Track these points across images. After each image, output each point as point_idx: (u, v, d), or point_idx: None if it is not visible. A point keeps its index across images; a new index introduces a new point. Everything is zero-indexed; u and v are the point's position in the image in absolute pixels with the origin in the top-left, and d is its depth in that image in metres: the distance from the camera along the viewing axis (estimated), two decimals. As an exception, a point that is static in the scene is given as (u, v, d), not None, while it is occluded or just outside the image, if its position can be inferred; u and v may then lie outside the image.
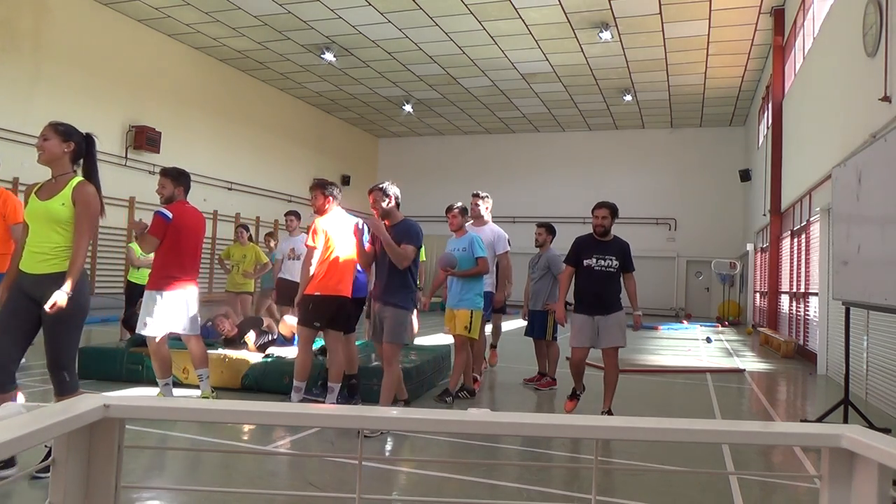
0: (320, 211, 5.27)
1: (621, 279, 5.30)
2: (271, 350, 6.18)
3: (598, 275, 5.16)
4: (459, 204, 6.29)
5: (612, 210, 5.30)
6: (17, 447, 0.67)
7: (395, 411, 0.90)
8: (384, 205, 4.81)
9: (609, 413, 5.24)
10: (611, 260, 5.17)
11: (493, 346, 7.69)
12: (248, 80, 18.75)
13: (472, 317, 5.72)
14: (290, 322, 6.41)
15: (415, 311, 4.96)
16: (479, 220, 6.74)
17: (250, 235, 9.67)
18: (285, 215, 8.99)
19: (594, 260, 5.17)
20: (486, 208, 6.82)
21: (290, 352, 6.18)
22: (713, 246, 21.63)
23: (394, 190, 4.88)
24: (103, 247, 13.72)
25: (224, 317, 6.64)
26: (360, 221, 5.11)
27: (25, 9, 12.49)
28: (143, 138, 14.70)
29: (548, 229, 7.15)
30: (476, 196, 6.84)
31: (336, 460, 3.83)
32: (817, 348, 8.84)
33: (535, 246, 7.10)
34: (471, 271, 5.76)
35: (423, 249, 9.08)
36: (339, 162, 23.29)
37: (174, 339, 6.19)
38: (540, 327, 6.79)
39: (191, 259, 5.04)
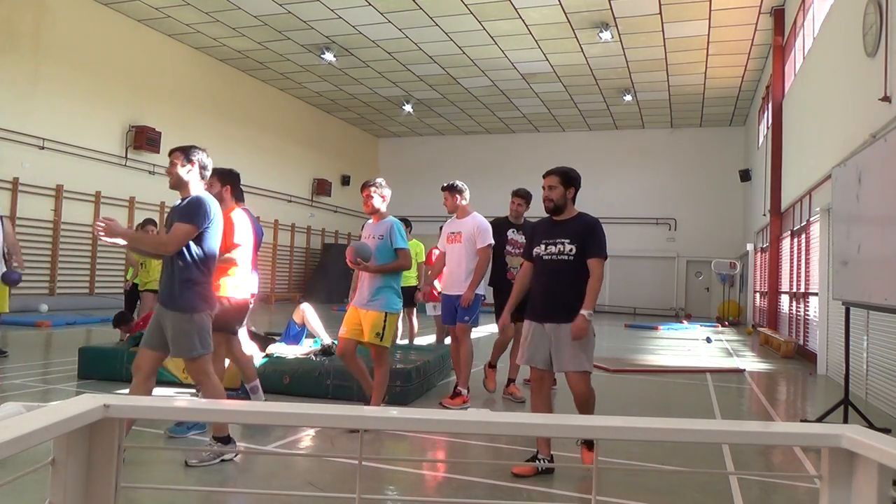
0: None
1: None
2: (272, 349, 6.17)
3: (545, 266, 3.85)
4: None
5: (565, 177, 3.87)
6: (16, 447, 0.67)
7: (394, 411, 0.90)
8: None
9: (588, 447, 3.92)
10: (562, 245, 3.80)
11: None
12: (248, 80, 18.75)
13: (385, 321, 4.67)
14: (305, 310, 6.47)
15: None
16: (460, 211, 5.81)
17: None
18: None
19: (542, 247, 3.87)
20: (460, 200, 5.79)
21: (291, 351, 6.18)
22: (713, 246, 21.63)
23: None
24: (102, 247, 13.72)
25: None
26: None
27: (25, 9, 12.49)
28: (143, 138, 14.71)
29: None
30: (444, 190, 5.86)
31: (336, 460, 3.83)
32: (817, 348, 8.84)
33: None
34: (389, 266, 4.71)
35: (423, 249, 9.11)
36: (338, 162, 23.30)
37: None
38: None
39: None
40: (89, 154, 13.82)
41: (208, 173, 3.81)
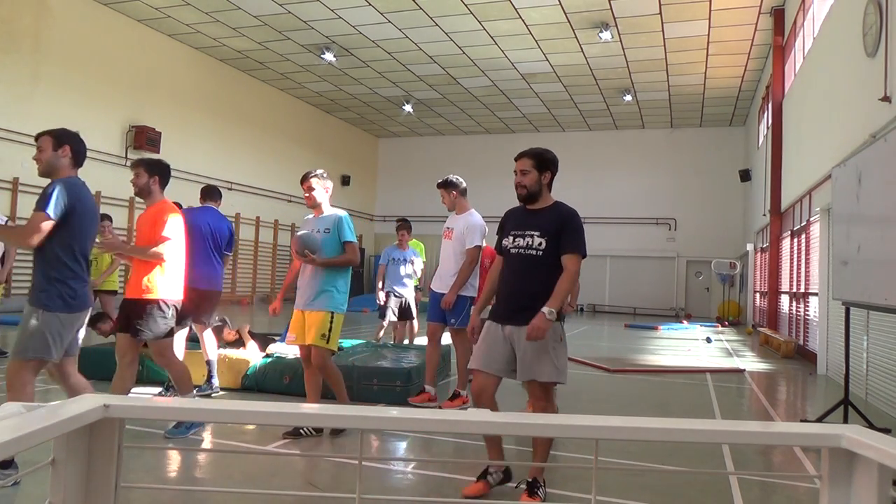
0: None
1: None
2: (272, 349, 6.17)
3: (512, 261, 3.36)
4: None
5: (539, 160, 3.36)
6: (17, 447, 0.67)
7: (395, 411, 0.90)
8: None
9: (534, 486, 3.24)
10: (531, 238, 3.29)
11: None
12: (248, 80, 18.75)
13: (331, 321, 4.33)
14: None
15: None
16: (458, 207, 5.56)
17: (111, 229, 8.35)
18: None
19: (511, 239, 3.37)
20: (454, 195, 5.53)
21: (291, 351, 6.18)
22: (713, 246, 21.63)
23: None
24: (103, 247, 13.71)
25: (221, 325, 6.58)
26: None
27: (25, 9, 12.49)
28: (143, 138, 14.71)
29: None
30: (439, 187, 5.61)
31: (336, 460, 3.83)
32: (817, 348, 8.84)
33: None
34: (337, 259, 4.40)
35: (423, 249, 9.10)
36: (338, 162, 23.29)
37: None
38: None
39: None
40: (89, 154, 13.74)
41: (83, 158, 3.50)
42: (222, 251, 5.60)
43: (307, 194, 4.50)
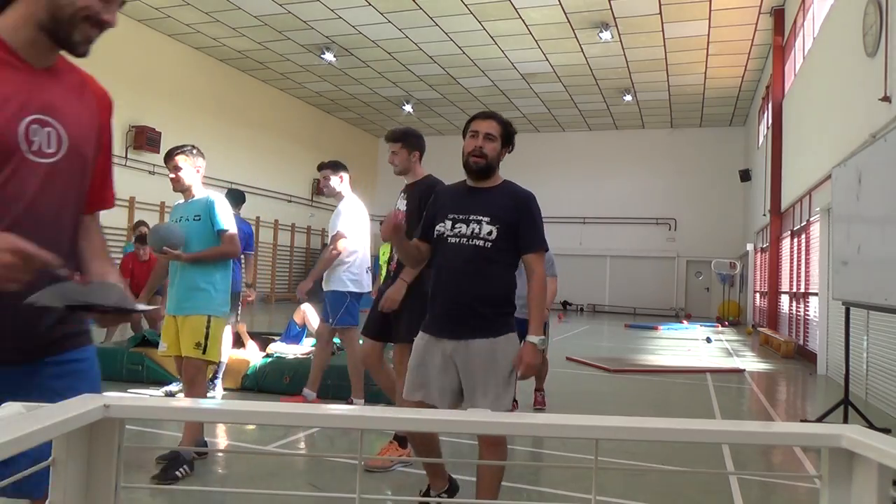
0: None
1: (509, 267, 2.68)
2: (272, 349, 6.18)
3: (450, 253, 2.63)
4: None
5: (506, 129, 2.75)
6: (17, 447, 0.67)
7: (395, 411, 0.90)
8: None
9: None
10: (477, 224, 2.59)
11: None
12: (248, 80, 18.76)
13: (208, 326, 3.65)
14: (306, 310, 6.46)
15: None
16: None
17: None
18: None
19: (448, 225, 2.64)
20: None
21: (291, 351, 6.18)
22: (713, 246, 21.64)
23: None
24: (103, 247, 13.72)
25: None
26: None
27: (25, 9, 12.49)
28: (143, 138, 14.71)
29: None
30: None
31: (336, 460, 3.83)
32: (817, 348, 8.85)
33: None
34: (208, 253, 3.69)
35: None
36: (339, 162, 23.28)
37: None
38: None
39: None
40: (89, 154, 13.82)
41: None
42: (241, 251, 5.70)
43: (173, 175, 3.75)
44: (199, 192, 3.83)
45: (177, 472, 3.38)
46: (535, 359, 2.52)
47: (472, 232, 2.59)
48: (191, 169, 3.78)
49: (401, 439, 3.78)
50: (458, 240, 2.60)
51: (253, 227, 5.22)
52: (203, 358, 3.66)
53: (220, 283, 3.76)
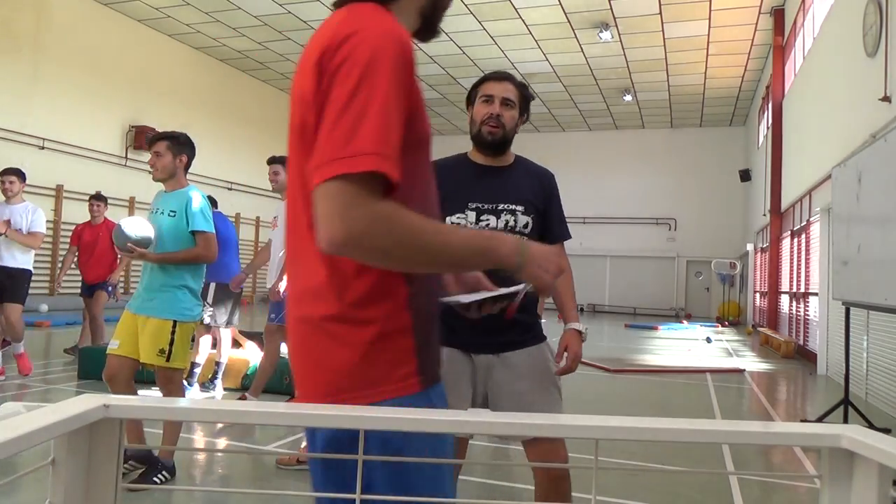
0: None
1: None
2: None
3: None
4: None
5: (525, 95, 2.36)
6: (16, 447, 0.67)
7: (394, 411, 0.90)
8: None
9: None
10: (512, 214, 2.17)
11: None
12: (248, 80, 18.76)
13: (174, 332, 3.30)
14: None
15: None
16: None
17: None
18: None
19: (472, 217, 2.16)
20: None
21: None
22: (713, 246, 21.64)
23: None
24: (103, 247, 13.73)
25: None
26: None
27: (25, 9, 12.49)
28: (143, 138, 14.71)
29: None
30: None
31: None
32: (817, 348, 8.85)
33: None
34: (177, 255, 3.36)
35: None
36: (339, 162, 23.30)
37: None
38: None
39: None
40: (89, 154, 13.82)
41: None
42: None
43: (152, 161, 3.42)
44: (181, 185, 3.49)
45: (154, 479, 3.27)
46: (579, 347, 2.20)
47: (507, 225, 2.13)
48: (172, 158, 3.43)
49: None
50: None
51: (234, 225, 5.12)
52: (168, 366, 3.30)
53: (191, 284, 3.42)
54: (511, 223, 2.14)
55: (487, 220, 2.14)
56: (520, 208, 2.15)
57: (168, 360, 3.29)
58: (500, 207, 2.15)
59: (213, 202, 5.98)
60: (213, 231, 3.45)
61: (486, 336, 2.10)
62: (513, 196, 2.18)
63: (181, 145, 3.44)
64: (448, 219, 2.11)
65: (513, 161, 2.31)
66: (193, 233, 3.39)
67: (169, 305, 3.31)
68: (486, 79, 2.25)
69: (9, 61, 12.21)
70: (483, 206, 2.14)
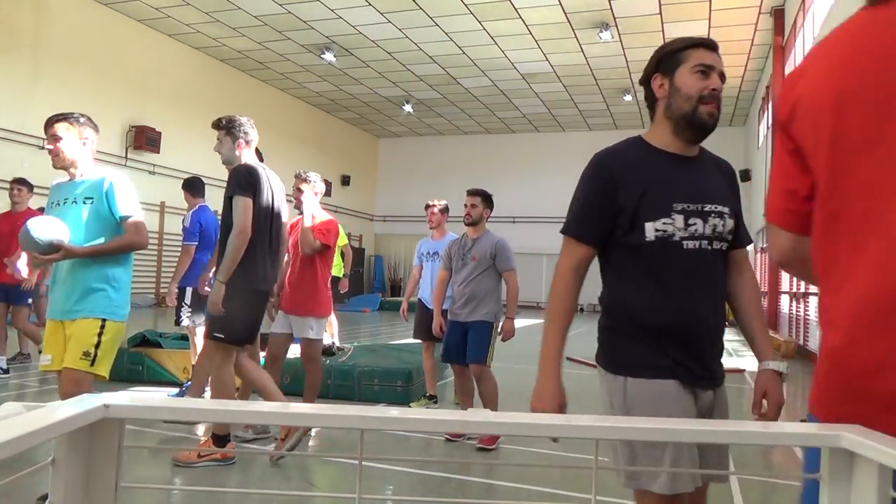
0: None
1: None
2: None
3: (695, 265, 1.76)
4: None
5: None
6: (17, 447, 0.67)
7: (394, 411, 0.90)
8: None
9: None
10: (723, 217, 1.82)
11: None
12: (248, 80, 18.76)
13: (101, 332, 2.95)
14: None
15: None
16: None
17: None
18: None
19: (680, 222, 1.76)
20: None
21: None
22: (713, 246, 21.61)
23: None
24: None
25: None
26: None
27: (25, 8, 12.50)
28: (143, 138, 14.72)
29: (484, 198, 4.73)
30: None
31: (336, 460, 3.83)
32: (817, 348, 8.84)
33: (466, 224, 4.65)
34: (107, 246, 2.99)
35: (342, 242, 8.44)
36: (338, 162, 23.30)
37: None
38: (476, 347, 4.37)
39: None
40: (89, 154, 13.83)
41: None
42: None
43: (51, 146, 3.03)
44: (89, 170, 3.09)
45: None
46: (783, 392, 1.84)
47: (715, 230, 1.76)
48: (75, 140, 3.04)
49: (218, 437, 3.72)
50: (696, 243, 1.73)
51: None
52: (90, 371, 2.90)
53: (120, 280, 3.05)
54: (719, 228, 1.77)
55: (694, 224, 1.74)
56: (725, 210, 1.80)
57: (93, 364, 2.91)
58: (706, 209, 1.76)
59: (199, 187, 5.84)
60: (142, 215, 3.08)
61: (711, 364, 1.77)
62: (718, 195, 1.81)
63: (84, 126, 3.07)
64: (651, 225, 1.71)
65: (698, 150, 1.92)
66: (120, 219, 3.01)
67: (96, 303, 2.96)
68: (694, 44, 1.79)
69: (9, 61, 12.21)
70: (689, 208, 1.75)
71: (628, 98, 18.97)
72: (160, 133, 15.13)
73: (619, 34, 14.39)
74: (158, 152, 15.01)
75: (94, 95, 13.96)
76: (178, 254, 5.71)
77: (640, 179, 1.75)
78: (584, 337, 13.08)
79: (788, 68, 13.24)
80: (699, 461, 1.65)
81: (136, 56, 14.95)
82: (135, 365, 6.01)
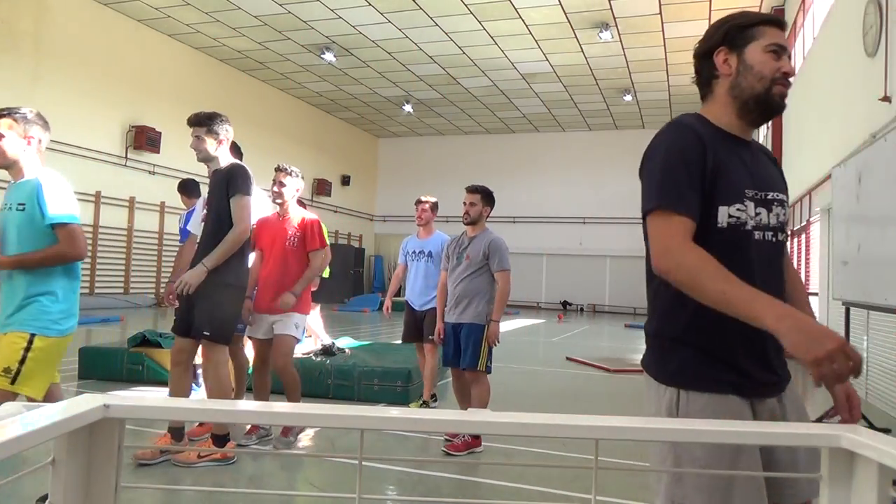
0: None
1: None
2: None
3: (762, 258, 1.60)
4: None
5: None
6: (17, 447, 0.67)
7: (395, 411, 0.90)
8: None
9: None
10: (783, 206, 1.73)
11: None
12: (248, 80, 18.76)
13: (28, 348, 2.71)
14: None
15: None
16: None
17: None
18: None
19: (751, 209, 1.58)
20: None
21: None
22: (713, 246, 21.62)
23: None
24: (103, 248, 13.72)
25: None
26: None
27: (25, 9, 12.50)
28: (143, 138, 14.71)
29: (484, 196, 4.46)
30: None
31: (336, 460, 3.82)
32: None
33: (465, 223, 4.44)
34: (33, 256, 2.72)
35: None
36: (338, 162, 23.30)
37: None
38: (468, 352, 4.22)
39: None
40: (89, 154, 13.82)
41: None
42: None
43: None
44: (31, 171, 2.80)
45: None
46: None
47: (778, 221, 1.63)
48: (17, 139, 2.79)
49: (174, 431, 3.80)
50: (763, 234, 1.59)
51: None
52: (10, 389, 2.66)
53: (60, 292, 2.76)
54: (781, 218, 1.63)
55: (760, 213, 1.58)
56: (785, 198, 1.67)
57: (13, 381, 2.64)
58: (769, 197, 1.61)
59: (194, 188, 5.85)
60: (78, 222, 2.78)
61: (778, 368, 1.63)
62: (777, 182, 1.67)
63: (30, 123, 2.84)
64: (725, 210, 1.52)
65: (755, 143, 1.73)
66: (52, 227, 2.71)
67: (25, 317, 2.69)
68: (768, 20, 1.64)
69: (9, 61, 12.21)
70: (757, 195, 1.58)
71: (628, 98, 18.97)
72: (160, 133, 15.12)
73: (619, 34, 14.39)
74: (158, 152, 15.00)
75: (94, 95, 13.95)
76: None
77: (714, 157, 1.52)
78: (585, 337, 13.22)
79: (788, 68, 13.24)
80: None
81: (136, 56, 14.95)
82: (135, 365, 6.01)
